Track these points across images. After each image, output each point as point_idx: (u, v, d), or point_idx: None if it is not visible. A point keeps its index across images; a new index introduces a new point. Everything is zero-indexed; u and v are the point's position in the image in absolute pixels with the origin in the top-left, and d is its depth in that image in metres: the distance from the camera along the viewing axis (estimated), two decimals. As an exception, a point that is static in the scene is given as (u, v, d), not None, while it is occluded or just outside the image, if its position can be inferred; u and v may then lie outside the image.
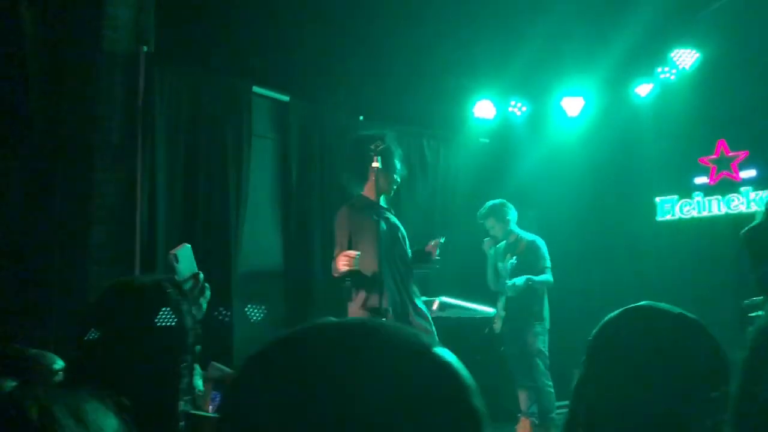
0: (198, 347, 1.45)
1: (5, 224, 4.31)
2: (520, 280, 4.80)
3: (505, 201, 5.15)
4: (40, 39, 4.01)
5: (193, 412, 1.43)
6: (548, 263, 5.02)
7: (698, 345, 1.07)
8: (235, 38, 4.89)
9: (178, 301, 1.44)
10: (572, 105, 6.13)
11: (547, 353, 4.96)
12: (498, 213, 5.08)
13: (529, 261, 4.96)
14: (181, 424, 1.33)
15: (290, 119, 5.29)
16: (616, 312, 1.16)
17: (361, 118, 5.80)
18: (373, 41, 5.51)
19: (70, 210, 4.17)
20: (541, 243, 5.08)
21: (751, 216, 5.79)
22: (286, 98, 5.29)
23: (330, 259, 5.32)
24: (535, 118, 6.27)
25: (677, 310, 1.12)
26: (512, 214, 5.12)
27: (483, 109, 6.06)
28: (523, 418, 4.96)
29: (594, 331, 1.14)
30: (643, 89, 5.97)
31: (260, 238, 5.09)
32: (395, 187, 3.85)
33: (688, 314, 1.11)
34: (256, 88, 5.04)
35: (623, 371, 1.04)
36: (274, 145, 5.30)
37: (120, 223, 4.27)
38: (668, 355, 1.05)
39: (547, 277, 5.00)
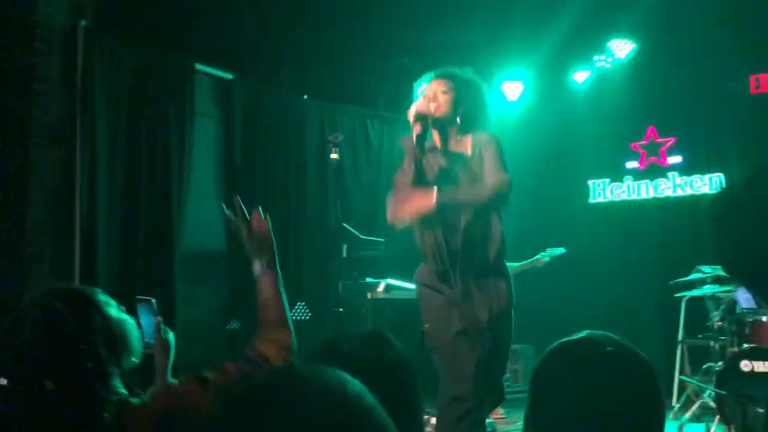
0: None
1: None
2: None
3: None
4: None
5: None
6: None
7: (634, 385, 1.09)
8: (176, 14, 4.75)
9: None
10: (512, 89, 6.27)
11: None
12: None
13: None
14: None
15: (234, 97, 5.22)
16: (556, 344, 1.18)
17: (306, 96, 5.77)
18: (317, 20, 5.46)
19: (6, 191, 4.01)
20: None
21: (676, 200, 6.13)
22: (229, 76, 5.20)
23: (275, 238, 5.33)
24: (476, 101, 6.37)
25: (614, 341, 1.14)
26: None
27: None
28: None
29: (537, 362, 1.17)
30: (581, 76, 6.17)
31: (203, 219, 5.03)
32: None
33: (626, 347, 1.14)
34: (199, 65, 4.94)
35: (564, 410, 1.09)
36: (218, 124, 5.22)
37: (59, 204, 4.13)
38: (606, 396, 1.07)
39: None
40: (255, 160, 5.25)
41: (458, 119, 2.95)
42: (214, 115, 5.21)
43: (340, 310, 3.44)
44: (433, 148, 2.99)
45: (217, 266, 5.09)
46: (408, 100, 6.11)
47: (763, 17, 5.24)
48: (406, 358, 1.10)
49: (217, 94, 5.23)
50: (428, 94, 2.95)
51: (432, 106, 2.89)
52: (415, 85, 3.09)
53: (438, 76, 3.02)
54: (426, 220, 2.95)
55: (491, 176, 2.91)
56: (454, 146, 2.99)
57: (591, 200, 6.50)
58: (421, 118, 2.85)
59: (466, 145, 2.99)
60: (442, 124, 2.96)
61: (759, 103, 5.74)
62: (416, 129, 2.84)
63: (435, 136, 3.00)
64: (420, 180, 2.87)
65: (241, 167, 5.16)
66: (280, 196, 5.39)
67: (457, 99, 2.95)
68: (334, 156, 3.47)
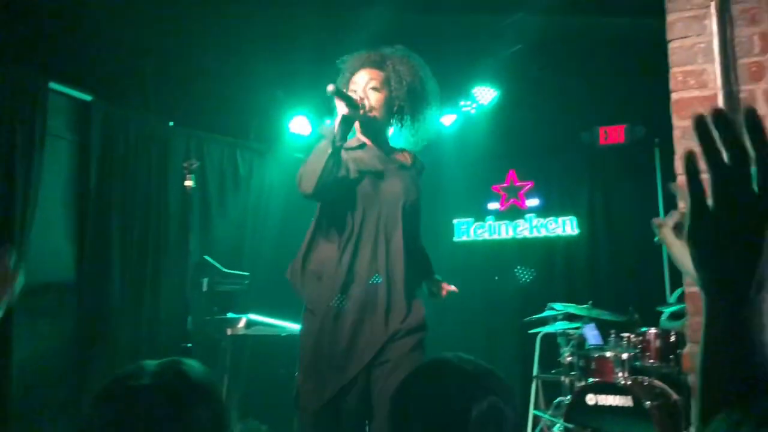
0: None
1: None
2: None
3: None
4: None
5: None
6: None
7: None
8: (31, 28, 4.45)
9: None
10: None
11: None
12: None
13: None
14: None
15: (92, 120, 4.93)
16: (419, 366, 1.19)
17: (172, 123, 5.57)
18: (187, 45, 5.31)
19: None
20: None
21: (533, 241, 6.46)
22: (88, 97, 4.92)
23: (130, 273, 5.04)
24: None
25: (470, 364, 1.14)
26: None
27: (299, 125, 6.10)
28: None
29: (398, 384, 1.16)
30: (448, 119, 6.40)
31: (50, 248, 4.67)
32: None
33: (480, 367, 1.15)
34: (53, 84, 4.63)
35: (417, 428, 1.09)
36: (73, 147, 4.90)
37: None
38: (459, 415, 1.07)
39: None
40: (112, 186, 4.97)
41: (393, 120, 2.56)
42: (69, 138, 4.90)
43: (188, 345, 3.28)
44: (362, 145, 2.55)
45: (65, 298, 4.73)
46: (280, 132, 6.12)
47: (611, 75, 5.71)
48: (209, 394, 1.04)
49: (74, 115, 4.92)
50: (356, 89, 2.47)
51: (364, 102, 2.43)
52: (338, 63, 2.64)
53: (369, 66, 2.54)
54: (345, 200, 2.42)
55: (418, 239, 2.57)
56: (389, 151, 2.58)
57: (455, 239, 6.71)
58: (350, 103, 2.36)
59: (405, 155, 2.63)
60: (373, 127, 2.53)
61: (607, 153, 6.22)
62: (340, 108, 2.36)
63: (362, 135, 2.56)
64: (335, 163, 2.33)
65: (96, 194, 4.86)
66: (139, 225, 5.13)
67: (391, 98, 2.52)
68: (188, 183, 3.33)
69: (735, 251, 0.74)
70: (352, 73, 2.56)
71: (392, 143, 2.65)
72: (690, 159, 0.75)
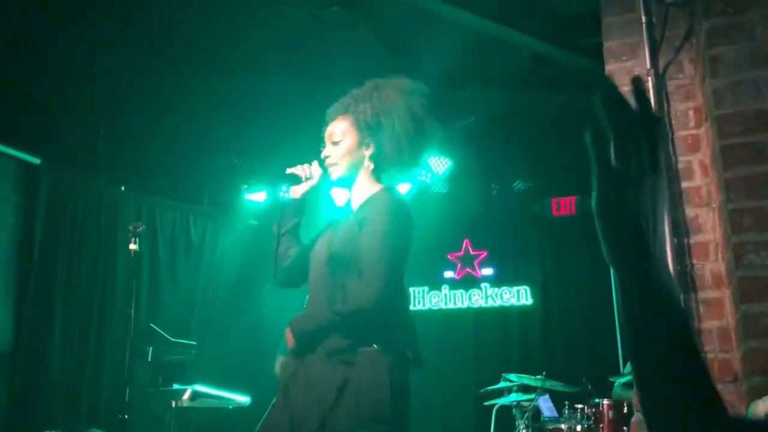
0: None
1: None
2: None
3: None
4: None
5: None
6: None
7: None
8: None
9: None
10: (339, 196, 6.40)
11: None
12: None
13: None
14: None
15: (40, 184, 4.83)
16: None
17: (123, 188, 5.49)
18: (141, 111, 5.30)
19: None
20: None
21: (488, 310, 6.45)
22: (36, 161, 4.83)
23: (72, 341, 4.84)
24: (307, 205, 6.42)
25: None
26: None
27: (254, 192, 6.07)
28: None
29: None
30: (403, 188, 6.46)
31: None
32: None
33: None
34: (0, 146, 4.55)
35: None
36: (19, 211, 4.77)
37: None
38: None
39: None
40: (57, 252, 4.82)
41: (367, 163, 2.21)
42: (14, 201, 4.77)
43: (125, 417, 3.11)
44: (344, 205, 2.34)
45: (1, 367, 4.50)
46: (235, 198, 6.07)
47: (563, 148, 5.87)
48: None
49: (21, 178, 4.81)
50: (324, 146, 2.24)
51: (313, 167, 2.22)
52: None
53: (337, 114, 2.24)
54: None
55: (354, 285, 2.01)
56: (356, 201, 2.26)
57: (411, 308, 6.66)
58: (293, 179, 2.24)
59: (366, 198, 2.22)
60: (339, 184, 2.27)
61: (559, 224, 6.32)
62: (292, 192, 2.25)
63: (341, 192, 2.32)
64: (286, 250, 2.25)
65: (40, 259, 4.71)
66: (84, 292, 4.96)
67: (361, 140, 2.19)
68: (133, 247, 3.22)
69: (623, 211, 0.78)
70: (324, 129, 2.30)
71: (385, 182, 2.33)
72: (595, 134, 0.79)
